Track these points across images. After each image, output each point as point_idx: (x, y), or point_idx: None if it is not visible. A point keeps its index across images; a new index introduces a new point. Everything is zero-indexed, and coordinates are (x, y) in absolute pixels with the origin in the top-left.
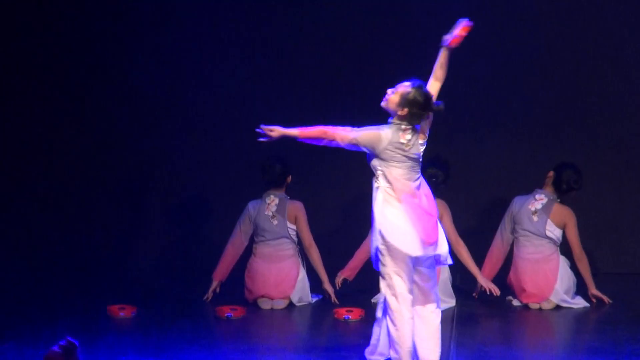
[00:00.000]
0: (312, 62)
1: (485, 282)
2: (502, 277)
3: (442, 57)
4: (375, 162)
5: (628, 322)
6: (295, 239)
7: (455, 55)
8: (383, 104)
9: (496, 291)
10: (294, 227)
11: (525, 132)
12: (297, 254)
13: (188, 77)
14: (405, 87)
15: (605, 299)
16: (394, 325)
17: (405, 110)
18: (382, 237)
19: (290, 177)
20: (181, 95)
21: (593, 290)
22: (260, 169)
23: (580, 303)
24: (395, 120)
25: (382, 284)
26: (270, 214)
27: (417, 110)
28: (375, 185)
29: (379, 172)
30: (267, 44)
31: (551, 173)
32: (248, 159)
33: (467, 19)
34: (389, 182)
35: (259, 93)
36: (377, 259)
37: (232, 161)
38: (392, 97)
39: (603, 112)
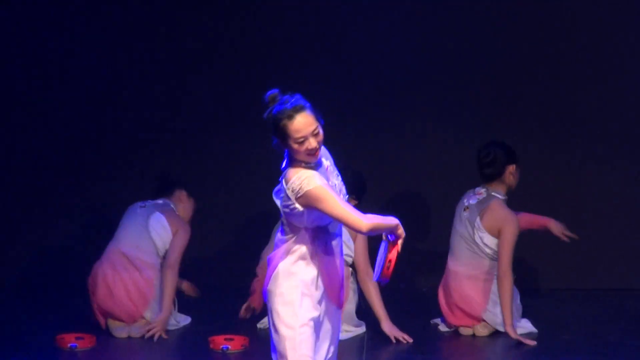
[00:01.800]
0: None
1: (390, 328)
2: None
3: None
4: None
5: (579, 347)
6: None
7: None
8: (314, 158)
9: (407, 339)
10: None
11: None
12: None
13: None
14: (310, 110)
15: (529, 342)
16: None
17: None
18: None
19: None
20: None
21: (509, 328)
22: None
23: (525, 327)
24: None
25: None
26: None
27: None
28: None
29: None
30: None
31: (512, 167)
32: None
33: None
34: None
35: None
36: None
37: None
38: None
39: (540, 114)
